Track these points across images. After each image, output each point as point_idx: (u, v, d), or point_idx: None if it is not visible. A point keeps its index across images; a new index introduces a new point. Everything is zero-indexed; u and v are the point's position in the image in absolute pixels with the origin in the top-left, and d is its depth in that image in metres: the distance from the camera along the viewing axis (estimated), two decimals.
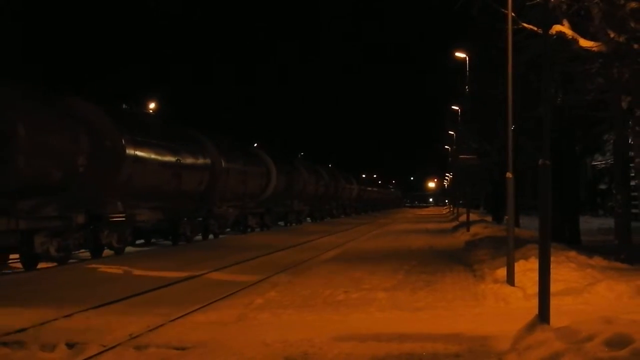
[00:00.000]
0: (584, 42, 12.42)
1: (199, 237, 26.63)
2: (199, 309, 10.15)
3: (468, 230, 27.89)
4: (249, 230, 32.99)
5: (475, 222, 31.07)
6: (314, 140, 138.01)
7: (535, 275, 7.79)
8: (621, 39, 11.85)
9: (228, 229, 30.76)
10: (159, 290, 12.65)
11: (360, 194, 74.77)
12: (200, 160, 25.30)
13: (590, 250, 15.52)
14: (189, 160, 24.07)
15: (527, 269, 11.05)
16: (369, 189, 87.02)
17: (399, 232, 34.59)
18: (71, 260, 17.34)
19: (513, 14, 11.58)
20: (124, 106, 26.96)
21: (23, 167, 15.08)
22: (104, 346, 7.61)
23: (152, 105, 42.69)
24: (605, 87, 13.75)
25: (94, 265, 16.28)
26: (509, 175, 11.32)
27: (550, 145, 7.43)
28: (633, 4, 11.49)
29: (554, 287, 7.86)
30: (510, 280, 10.79)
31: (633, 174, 15.38)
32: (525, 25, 12.81)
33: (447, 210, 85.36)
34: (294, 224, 42.27)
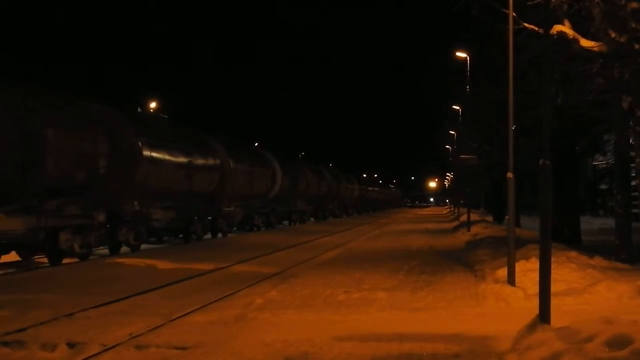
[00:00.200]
0: (584, 42, 12.41)
1: (208, 235, 27.52)
2: (199, 308, 10.15)
3: (469, 230, 27.88)
4: (255, 229, 33.93)
5: (475, 222, 31.07)
6: (314, 140, 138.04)
7: (535, 276, 7.78)
8: (622, 39, 11.84)
9: (234, 228, 31.52)
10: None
11: (362, 194, 75.05)
12: (210, 162, 26.17)
13: (590, 250, 15.52)
14: (200, 162, 25.08)
15: (527, 269, 11.04)
16: (370, 188, 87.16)
17: (399, 232, 34.61)
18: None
19: (514, 13, 11.58)
20: (138, 109, 28.14)
21: (51, 169, 16.16)
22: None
23: (152, 105, 42.72)
24: (606, 87, 13.74)
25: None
26: (509, 175, 11.31)
27: (550, 145, 7.43)
28: (634, 4, 11.48)
29: (554, 287, 7.86)
30: (511, 280, 10.78)
31: (633, 174, 15.37)
32: (526, 25, 12.80)
33: (448, 210, 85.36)
34: (297, 223, 43.02)
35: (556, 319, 7.12)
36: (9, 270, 15.86)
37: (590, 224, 31.57)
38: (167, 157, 22.11)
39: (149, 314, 9.79)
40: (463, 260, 16.95)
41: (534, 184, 30.12)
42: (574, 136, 20.63)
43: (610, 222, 20.00)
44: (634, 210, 28.30)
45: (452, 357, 6.85)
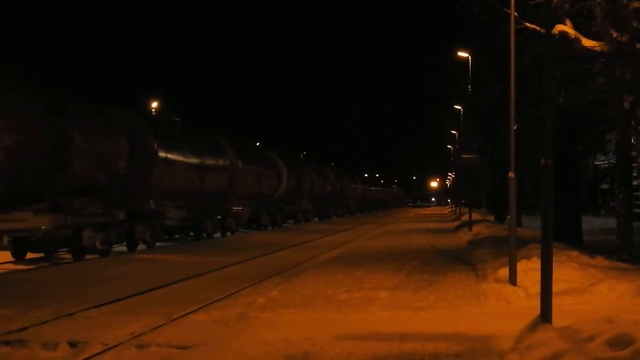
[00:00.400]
0: (586, 42, 12.41)
1: (218, 234, 28.43)
2: (199, 308, 10.16)
3: (470, 229, 27.87)
4: (262, 227, 34.87)
5: (477, 221, 31.06)
6: (315, 140, 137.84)
7: (537, 275, 7.78)
8: (623, 39, 11.84)
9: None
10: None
11: (364, 193, 75.35)
12: (220, 162, 27.11)
13: (592, 250, 15.51)
14: (211, 162, 26.04)
15: (529, 269, 11.04)
16: (372, 188, 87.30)
17: (401, 231, 34.63)
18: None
19: (515, 13, 11.57)
20: (152, 112, 28.77)
21: (78, 170, 17.20)
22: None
23: (154, 105, 42.77)
24: (608, 86, 13.73)
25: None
26: (511, 174, 11.30)
27: (552, 145, 7.42)
28: (636, 4, 11.49)
29: (555, 287, 7.85)
30: (512, 279, 10.78)
31: (635, 174, 15.38)
32: (527, 24, 12.80)
33: (449, 209, 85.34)
34: (302, 222, 43.73)
35: (557, 319, 7.12)
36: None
37: (591, 223, 31.54)
38: (180, 158, 23.12)
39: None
40: (464, 259, 16.94)
41: (536, 184, 30.15)
42: (575, 136, 20.62)
43: (611, 222, 20.00)
44: (636, 210, 28.26)
45: (454, 357, 6.85)
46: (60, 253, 18.45)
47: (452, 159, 58.21)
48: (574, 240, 19.71)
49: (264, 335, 7.89)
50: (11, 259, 17.37)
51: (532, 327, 7.02)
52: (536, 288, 8.26)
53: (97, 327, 8.67)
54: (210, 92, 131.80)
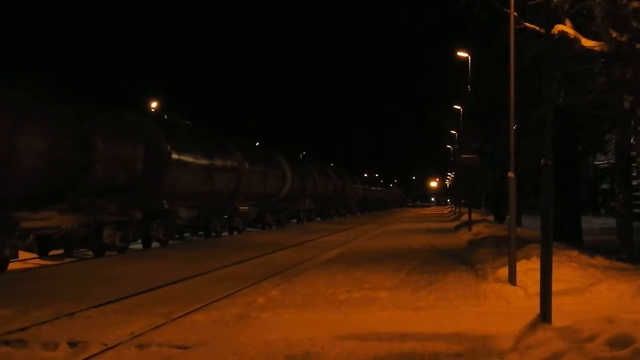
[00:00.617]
0: (586, 42, 12.41)
1: (225, 232, 29.50)
2: (199, 308, 10.16)
3: (470, 229, 27.88)
4: (266, 227, 35.71)
5: (477, 221, 31.07)
6: (315, 139, 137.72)
7: (537, 275, 7.78)
8: (623, 39, 11.84)
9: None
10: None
11: (365, 193, 75.60)
12: (229, 163, 28.00)
13: (592, 249, 15.50)
14: (220, 164, 27.00)
15: (528, 269, 11.03)
16: (373, 188, 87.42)
17: (401, 231, 34.65)
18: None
19: (515, 13, 11.57)
20: (165, 116, 30.09)
21: (99, 171, 18.23)
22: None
23: (154, 105, 42.74)
24: (608, 86, 13.73)
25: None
26: (510, 174, 11.30)
27: (552, 144, 7.43)
28: (635, 4, 11.49)
29: (555, 287, 7.86)
30: (512, 279, 10.78)
31: (635, 174, 15.39)
32: (527, 24, 12.80)
33: (449, 209, 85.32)
34: (305, 222, 44.38)
35: (557, 319, 7.13)
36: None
37: (591, 223, 31.52)
38: (191, 160, 24.05)
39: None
40: (464, 259, 16.95)
41: (535, 184, 30.13)
42: (575, 136, 20.61)
43: (611, 222, 19.98)
44: (636, 210, 28.26)
45: (454, 357, 6.85)
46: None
47: (451, 159, 58.19)
48: (574, 240, 19.70)
49: (264, 335, 7.89)
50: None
51: (532, 326, 7.03)
52: (536, 288, 8.26)
53: (97, 327, 8.67)
54: (210, 92, 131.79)
